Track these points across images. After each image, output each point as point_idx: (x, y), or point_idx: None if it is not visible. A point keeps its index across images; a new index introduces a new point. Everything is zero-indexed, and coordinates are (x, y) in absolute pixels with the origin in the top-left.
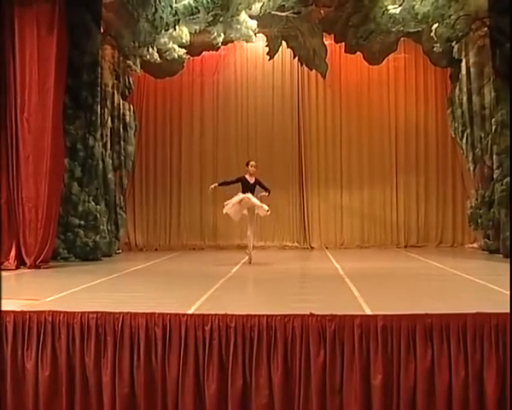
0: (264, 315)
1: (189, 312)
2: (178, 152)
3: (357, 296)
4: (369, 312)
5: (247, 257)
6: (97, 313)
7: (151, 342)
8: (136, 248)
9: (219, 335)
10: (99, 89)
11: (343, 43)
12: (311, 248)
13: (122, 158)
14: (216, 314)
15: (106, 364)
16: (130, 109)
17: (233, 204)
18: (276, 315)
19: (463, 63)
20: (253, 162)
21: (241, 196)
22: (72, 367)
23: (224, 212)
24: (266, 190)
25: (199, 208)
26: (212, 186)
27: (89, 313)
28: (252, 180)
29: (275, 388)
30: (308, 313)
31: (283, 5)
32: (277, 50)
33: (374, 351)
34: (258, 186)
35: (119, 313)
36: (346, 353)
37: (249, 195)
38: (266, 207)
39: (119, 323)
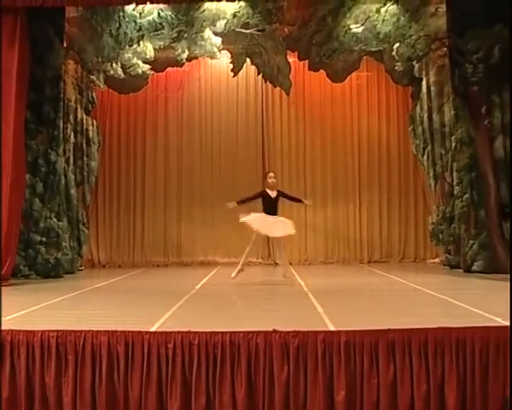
0: (227, 332)
1: (152, 329)
2: (142, 168)
3: (321, 312)
4: (332, 328)
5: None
6: (58, 331)
7: (113, 360)
8: (99, 265)
9: (182, 352)
10: (62, 104)
11: (307, 61)
12: (276, 264)
13: (85, 173)
14: (179, 332)
15: (67, 383)
16: (93, 125)
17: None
18: (240, 332)
19: (424, 82)
20: (271, 174)
21: (268, 219)
22: (31, 387)
23: (244, 220)
24: (298, 200)
25: (163, 225)
26: (230, 205)
27: (49, 331)
28: (273, 194)
29: (239, 404)
30: (271, 329)
31: (248, 22)
32: (241, 67)
33: (337, 367)
34: (282, 198)
35: (81, 331)
36: (309, 369)
37: (275, 226)
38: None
39: (80, 341)
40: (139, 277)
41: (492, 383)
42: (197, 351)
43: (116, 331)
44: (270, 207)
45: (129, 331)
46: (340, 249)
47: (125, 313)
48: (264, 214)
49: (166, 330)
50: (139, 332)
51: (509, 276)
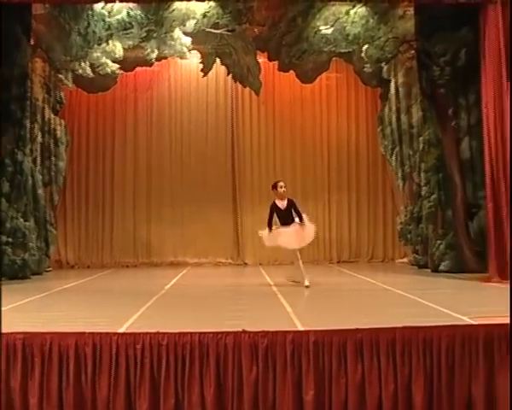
0: (196, 333)
1: (121, 330)
2: (111, 168)
3: (290, 312)
4: (300, 328)
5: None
6: (25, 333)
7: (81, 361)
8: (68, 266)
9: (151, 353)
10: (29, 103)
11: (276, 62)
12: (245, 264)
13: (52, 174)
14: (147, 333)
15: (33, 385)
16: (61, 124)
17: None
18: (209, 332)
19: (392, 83)
20: (281, 183)
21: (282, 231)
22: None
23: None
24: (298, 216)
25: (132, 225)
26: (265, 240)
27: (16, 333)
28: (283, 205)
29: (208, 405)
30: (240, 329)
31: (217, 23)
32: (211, 67)
33: (306, 366)
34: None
35: (48, 333)
36: (278, 369)
37: (291, 237)
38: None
39: (47, 343)
40: (108, 277)
41: (458, 381)
42: (166, 352)
43: (84, 333)
44: (283, 218)
45: (97, 333)
46: (309, 249)
47: (94, 315)
48: (280, 227)
49: (135, 331)
50: (107, 334)
51: (474, 275)
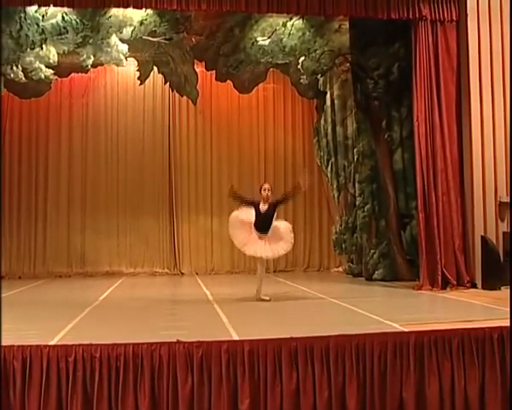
0: (130, 344)
1: (52, 343)
2: (44, 176)
3: (225, 322)
4: (236, 337)
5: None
6: None
7: (9, 376)
8: None
9: (84, 366)
10: None
11: (214, 71)
12: (182, 274)
13: None
14: (80, 344)
15: None
16: None
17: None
18: (143, 343)
19: (328, 95)
20: (265, 186)
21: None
22: None
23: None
24: (294, 192)
25: (66, 234)
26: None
27: None
28: (264, 208)
29: None
30: (175, 340)
31: (155, 31)
32: (148, 75)
33: (241, 376)
34: (275, 214)
35: None
36: (213, 379)
37: (261, 248)
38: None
39: None
40: (40, 288)
41: (390, 386)
42: (99, 364)
43: (13, 346)
44: (260, 222)
45: (27, 346)
46: (245, 259)
47: (24, 327)
48: (254, 234)
49: (67, 343)
50: (37, 346)
51: (407, 283)
